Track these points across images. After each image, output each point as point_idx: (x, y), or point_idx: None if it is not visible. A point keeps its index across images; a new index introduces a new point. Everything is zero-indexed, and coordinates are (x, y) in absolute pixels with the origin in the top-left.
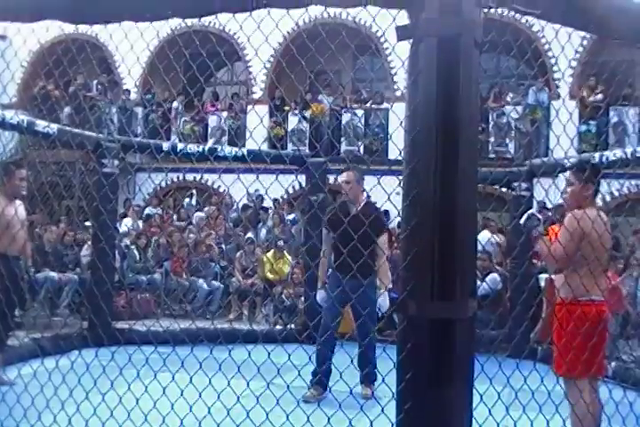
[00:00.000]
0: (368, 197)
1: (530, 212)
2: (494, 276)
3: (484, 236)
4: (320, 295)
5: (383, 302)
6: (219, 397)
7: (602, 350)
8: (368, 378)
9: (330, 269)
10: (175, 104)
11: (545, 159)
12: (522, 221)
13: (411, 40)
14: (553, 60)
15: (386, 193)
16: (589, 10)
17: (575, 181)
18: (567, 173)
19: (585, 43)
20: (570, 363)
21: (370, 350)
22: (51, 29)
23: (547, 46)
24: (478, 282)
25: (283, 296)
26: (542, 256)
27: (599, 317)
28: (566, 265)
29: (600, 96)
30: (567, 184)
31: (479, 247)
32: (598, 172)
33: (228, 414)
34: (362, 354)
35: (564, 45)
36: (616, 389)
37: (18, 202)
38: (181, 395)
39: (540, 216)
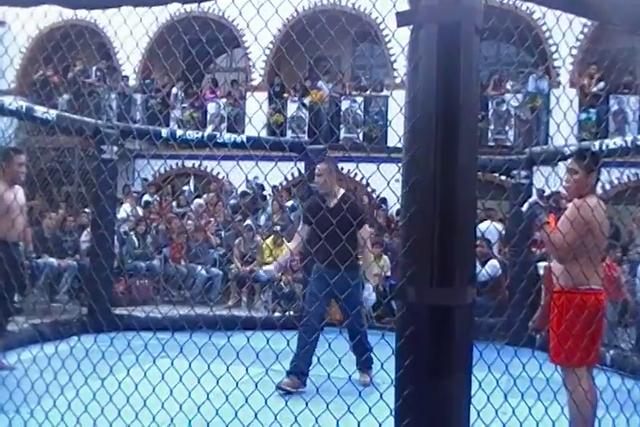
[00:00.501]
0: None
1: (532, 200)
2: (494, 262)
3: (485, 224)
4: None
5: (369, 295)
6: (217, 383)
7: (599, 338)
8: (365, 364)
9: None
10: (174, 90)
11: (545, 147)
12: (524, 208)
13: (411, 26)
14: (553, 48)
15: (385, 180)
16: None
17: (579, 170)
18: (569, 162)
19: (586, 30)
20: (568, 351)
21: (363, 337)
22: (49, 15)
23: (547, 34)
24: (478, 268)
25: (281, 283)
26: (544, 245)
27: (598, 305)
28: (567, 254)
29: (601, 84)
30: (569, 172)
31: (479, 235)
32: (599, 160)
33: (227, 399)
34: (357, 342)
35: (564, 32)
36: (614, 377)
37: (17, 187)
38: (180, 381)
39: (542, 204)
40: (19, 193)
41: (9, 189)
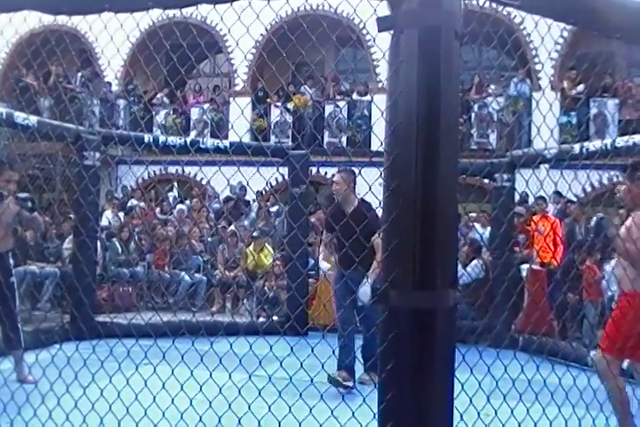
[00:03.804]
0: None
1: (599, 216)
2: (475, 262)
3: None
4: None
5: (363, 293)
6: (201, 389)
7: None
8: (373, 367)
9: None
10: (158, 96)
11: (526, 150)
12: (592, 224)
13: (392, 31)
14: (534, 52)
15: (367, 184)
16: (568, 1)
17: (637, 181)
18: (624, 173)
19: (565, 34)
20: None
21: (373, 341)
22: (29, 20)
23: (528, 38)
24: (460, 270)
25: (265, 288)
26: (618, 254)
27: None
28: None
29: (580, 87)
30: (631, 182)
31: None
32: None
33: (210, 405)
34: (366, 345)
35: (543, 37)
36: (594, 377)
37: (11, 200)
38: (163, 387)
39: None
40: (10, 204)
41: None
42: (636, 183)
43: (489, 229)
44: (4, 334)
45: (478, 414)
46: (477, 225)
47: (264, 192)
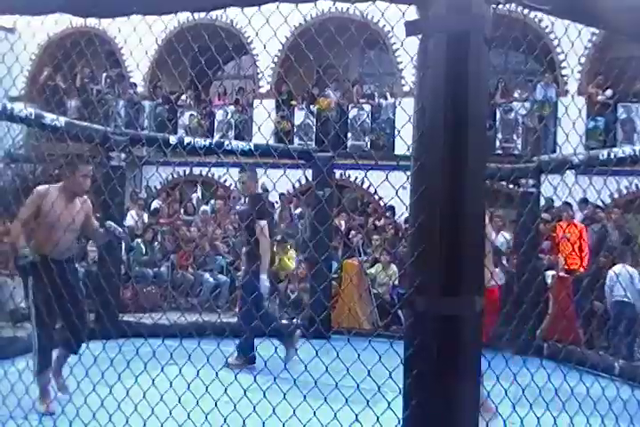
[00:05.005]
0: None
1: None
2: (496, 270)
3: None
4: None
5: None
6: (225, 390)
7: None
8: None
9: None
10: (183, 97)
11: (553, 156)
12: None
13: (420, 35)
14: (561, 57)
15: (393, 188)
16: (598, 6)
17: None
18: None
19: (594, 39)
20: None
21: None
22: (59, 23)
23: (555, 42)
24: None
25: (288, 291)
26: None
27: None
28: None
29: (609, 92)
30: None
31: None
32: None
33: (235, 407)
34: (245, 339)
35: (573, 41)
36: (623, 387)
37: (81, 199)
38: (188, 388)
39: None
40: (84, 204)
41: (67, 201)
42: None
43: (503, 234)
44: (66, 337)
45: (504, 422)
46: (490, 231)
47: (287, 194)
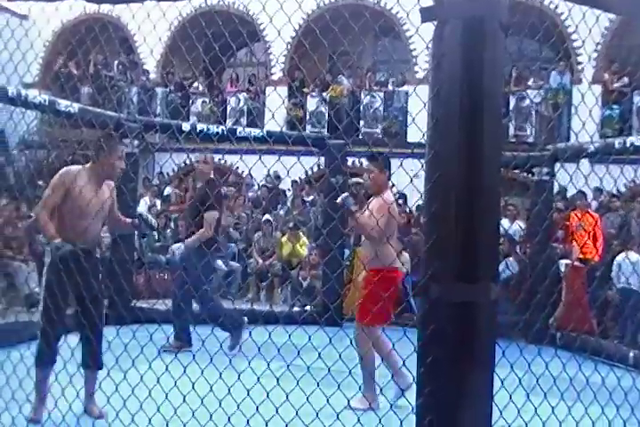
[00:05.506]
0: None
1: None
2: (510, 260)
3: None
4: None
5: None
6: (239, 377)
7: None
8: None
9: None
10: (195, 84)
11: (569, 144)
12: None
13: (435, 22)
14: (577, 44)
15: (408, 176)
16: None
17: None
18: None
19: (610, 26)
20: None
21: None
22: (73, 9)
23: (571, 29)
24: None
25: (300, 278)
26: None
27: None
28: None
29: (625, 80)
30: None
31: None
32: None
33: (248, 394)
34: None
35: (591, 28)
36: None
37: (109, 184)
38: (202, 374)
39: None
40: (112, 191)
41: (95, 186)
42: None
43: (517, 222)
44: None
45: (518, 411)
46: (505, 219)
47: (300, 181)
